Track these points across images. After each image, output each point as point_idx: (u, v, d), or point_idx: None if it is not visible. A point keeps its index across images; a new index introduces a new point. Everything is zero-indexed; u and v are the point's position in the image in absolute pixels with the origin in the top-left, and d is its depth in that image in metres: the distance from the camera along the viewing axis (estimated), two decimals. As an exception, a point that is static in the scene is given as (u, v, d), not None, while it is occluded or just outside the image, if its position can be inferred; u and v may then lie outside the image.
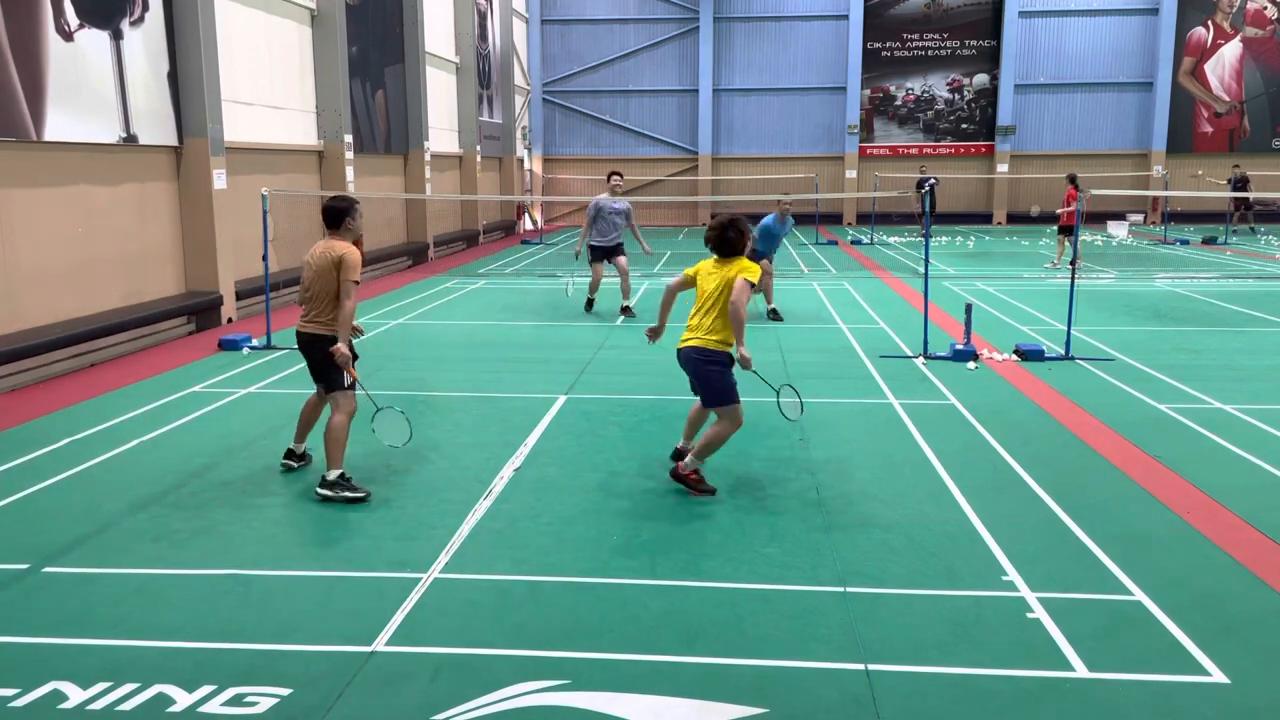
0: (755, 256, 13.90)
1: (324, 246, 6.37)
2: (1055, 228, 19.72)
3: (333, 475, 6.24)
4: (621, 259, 13.62)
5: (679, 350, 6.41)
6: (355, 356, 6.51)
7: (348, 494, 6.21)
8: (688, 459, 6.34)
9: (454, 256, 22.87)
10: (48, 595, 4.87)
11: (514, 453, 7.19)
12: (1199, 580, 4.97)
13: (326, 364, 6.33)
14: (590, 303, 13.95)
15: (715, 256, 6.40)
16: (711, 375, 6.23)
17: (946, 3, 31.93)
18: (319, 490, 6.25)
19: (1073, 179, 18.84)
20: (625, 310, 13.48)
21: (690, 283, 6.49)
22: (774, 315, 13.20)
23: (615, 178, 13.73)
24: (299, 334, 6.43)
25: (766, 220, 13.31)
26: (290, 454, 6.91)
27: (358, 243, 6.50)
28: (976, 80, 32.27)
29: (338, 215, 6.40)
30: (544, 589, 4.91)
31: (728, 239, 6.31)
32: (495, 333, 12.47)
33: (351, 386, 6.41)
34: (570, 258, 16.27)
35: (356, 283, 6.22)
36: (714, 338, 6.21)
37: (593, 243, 13.54)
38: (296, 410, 8.41)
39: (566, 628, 4.49)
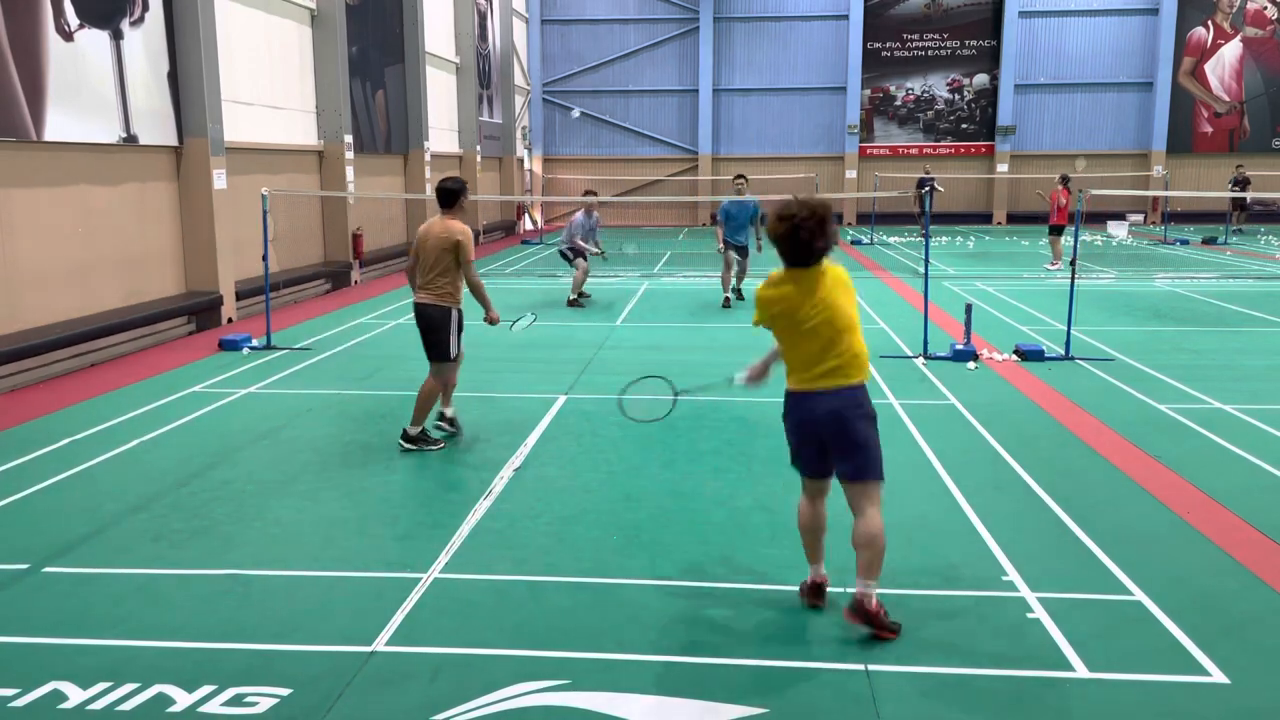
0: (735, 250, 14.23)
1: (441, 225, 7.10)
2: (1047, 227, 19.72)
3: (414, 431, 7.22)
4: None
5: (805, 398, 4.40)
6: (461, 327, 7.38)
7: (428, 447, 7.22)
8: (861, 591, 4.31)
9: (454, 256, 22.85)
10: (47, 595, 4.87)
11: (514, 453, 7.19)
12: (1199, 580, 4.97)
13: (441, 332, 7.21)
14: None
15: (788, 266, 4.44)
16: (869, 432, 4.38)
17: (946, 3, 31.92)
18: (402, 442, 7.23)
19: (1065, 179, 18.91)
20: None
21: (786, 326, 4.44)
22: (738, 295, 14.48)
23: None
24: (418, 305, 7.26)
25: (724, 204, 13.80)
26: (442, 417, 7.59)
27: (470, 220, 7.02)
28: (976, 80, 32.25)
29: (452, 196, 7.16)
30: (544, 589, 4.91)
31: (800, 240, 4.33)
32: (495, 333, 12.44)
33: (456, 359, 7.34)
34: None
35: (471, 261, 7.14)
36: (859, 373, 4.44)
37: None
38: (296, 410, 8.43)
39: (566, 628, 4.49)
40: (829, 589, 4.75)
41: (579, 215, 14.74)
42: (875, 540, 4.28)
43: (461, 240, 7.03)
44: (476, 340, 11.88)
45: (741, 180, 14.42)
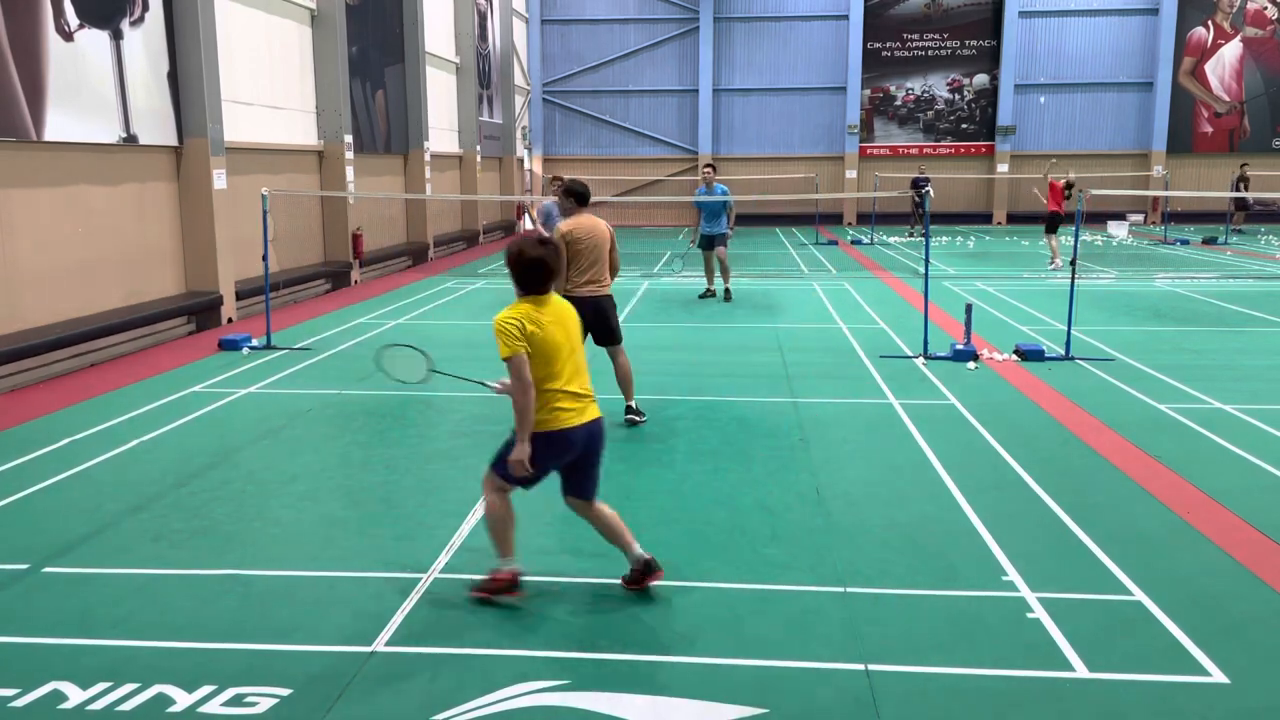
0: (706, 245, 14.46)
1: (590, 222, 7.66)
2: (1044, 226, 19.66)
3: (632, 404, 7.95)
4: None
5: (589, 425, 4.76)
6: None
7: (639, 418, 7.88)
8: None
9: (454, 256, 22.87)
10: (48, 595, 4.87)
11: (514, 453, 7.17)
12: (1199, 580, 4.97)
13: (613, 316, 7.83)
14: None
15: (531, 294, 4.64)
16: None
17: (946, 3, 31.93)
18: (633, 417, 7.87)
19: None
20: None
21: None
22: (726, 296, 14.81)
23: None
24: (582, 299, 7.35)
25: (697, 197, 14.51)
26: (629, 409, 7.99)
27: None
28: (976, 80, 32.27)
29: (587, 196, 7.81)
30: (544, 589, 4.91)
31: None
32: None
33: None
34: None
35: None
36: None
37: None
38: (295, 410, 8.43)
39: (566, 628, 4.49)
40: (824, 588, 4.74)
41: (548, 203, 14.72)
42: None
43: (612, 232, 7.79)
44: (476, 340, 11.89)
45: (709, 169, 14.68)
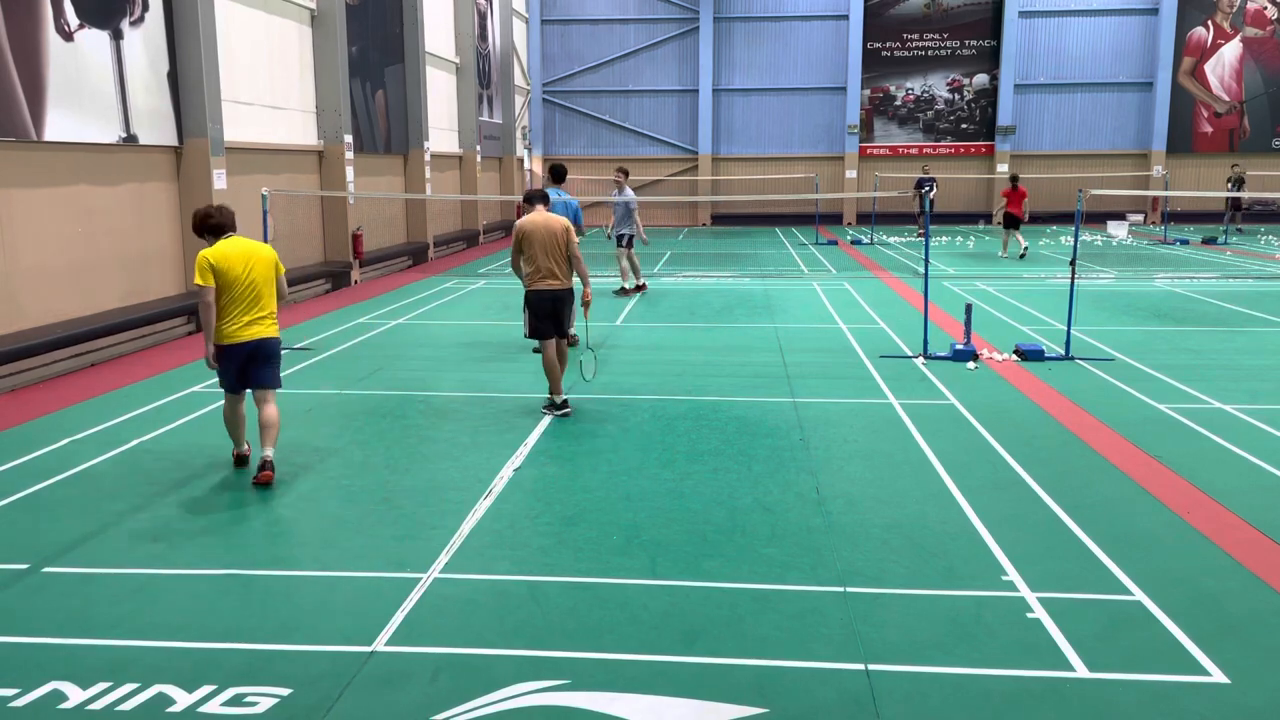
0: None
1: (544, 219, 8.13)
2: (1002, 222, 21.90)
3: (559, 399, 8.34)
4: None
5: (256, 341, 6.59)
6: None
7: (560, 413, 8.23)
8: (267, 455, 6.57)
9: (454, 256, 22.87)
10: (48, 595, 4.87)
11: (514, 453, 7.19)
12: (1199, 580, 4.97)
13: (561, 312, 8.23)
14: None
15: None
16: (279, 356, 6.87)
17: (946, 3, 31.92)
18: (551, 411, 8.27)
19: (1014, 179, 21.14)
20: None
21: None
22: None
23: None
24: (546, 292, 8.12)
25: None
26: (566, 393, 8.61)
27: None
28: (976, 80, 32.26)
29: (544, 196, 8.39)
30: (544, 589, 4.91)
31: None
32: (495, 333, 12.48)
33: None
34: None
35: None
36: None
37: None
38: (295, 411, 8.43)
39: (566, 628, 4.49)
40: (824, 588, 4.74)
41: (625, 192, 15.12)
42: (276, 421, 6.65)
43: (570, 227, 8.21)
44: (477, 340, 11.89)
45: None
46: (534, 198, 8.37)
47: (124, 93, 11.54)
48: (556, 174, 11.15)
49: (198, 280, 6.33)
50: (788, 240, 26.81)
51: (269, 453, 6.52)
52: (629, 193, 14.86)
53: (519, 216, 9.02)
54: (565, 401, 8.34)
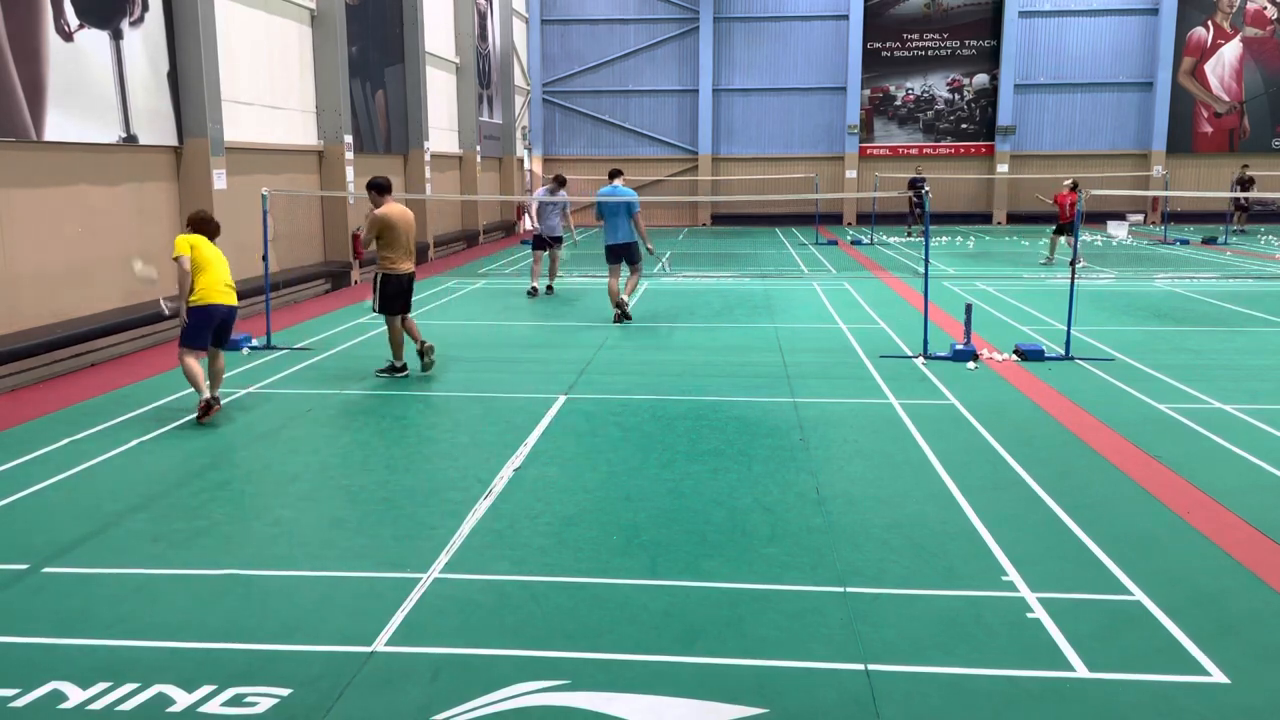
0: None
1: (400, 210, 9.74)
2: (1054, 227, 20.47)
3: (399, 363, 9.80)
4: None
5: (224, 306, 8.24)
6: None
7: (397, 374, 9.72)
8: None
9: (454, 256, 22.88)
10: (48, 595, 4.87)
11: (514, 453, 7.19)
12: (1199, 580, 4.97)
13: (409, 292, 9.84)
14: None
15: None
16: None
17: (946, 3, 31.93)
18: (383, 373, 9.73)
19: (1074, 185, 19.36)
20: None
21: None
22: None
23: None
24: (402, 275, 9.85)
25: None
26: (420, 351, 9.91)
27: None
28: (976, 80, 32.26)
29: (387, 187, 9.87)
30: (544, 589, 4.91)
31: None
32: (495, 333, 12.48)
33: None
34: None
35: None
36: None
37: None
38: (296, 411, 8.43)
39: (566, 628, 4.49)
40: (824, 588, 4.74)
41: (541, 191, 15.43)
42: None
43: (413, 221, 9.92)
44: (477, 341, 11.90)
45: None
46: (385, 188, 9.71)
47: (124, 93, 11.54)
48: (612, 175, 13.48)
49: (177, 252, 7.94)
50: (788, 240, 26.82)
51: (218, 392, 8.21)
52: (563, 194, 15.70)
53: (375, 208, 9.73)
54: (405, 365, 9.70)
